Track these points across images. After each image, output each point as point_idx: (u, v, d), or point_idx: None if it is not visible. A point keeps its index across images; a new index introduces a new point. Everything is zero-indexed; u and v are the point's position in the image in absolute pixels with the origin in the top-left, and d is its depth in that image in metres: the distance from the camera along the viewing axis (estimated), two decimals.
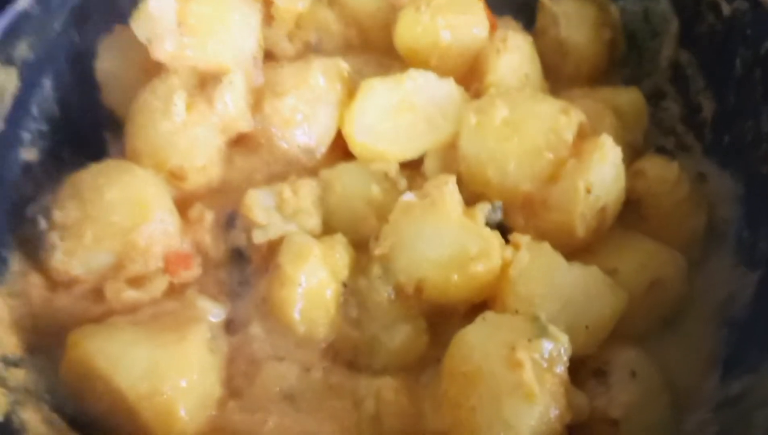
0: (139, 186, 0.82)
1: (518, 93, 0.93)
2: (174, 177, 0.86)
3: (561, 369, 0.70)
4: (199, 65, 0.88)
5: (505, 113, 0.89)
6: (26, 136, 0.90)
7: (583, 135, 0.92)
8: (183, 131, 0.85)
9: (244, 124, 0.89)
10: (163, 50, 0.86)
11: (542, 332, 0.71)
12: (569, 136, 0.88)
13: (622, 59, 1.12)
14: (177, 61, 0.87)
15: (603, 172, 0.86)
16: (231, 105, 0.87)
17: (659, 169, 0.94)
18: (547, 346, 0.70)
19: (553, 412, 0.68)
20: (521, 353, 0.69)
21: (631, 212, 0.95)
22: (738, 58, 0.99)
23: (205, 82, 0.88)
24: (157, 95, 0.86)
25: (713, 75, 1.04)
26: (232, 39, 0.88)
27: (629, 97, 1.03)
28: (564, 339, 0.71)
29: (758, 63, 0.96)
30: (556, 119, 0.89)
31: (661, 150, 1.01)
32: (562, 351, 0.70)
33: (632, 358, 0.80)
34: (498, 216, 0.89)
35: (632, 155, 1.00)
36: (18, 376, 0.74)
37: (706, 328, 0.93)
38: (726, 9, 0.99)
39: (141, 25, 0.88)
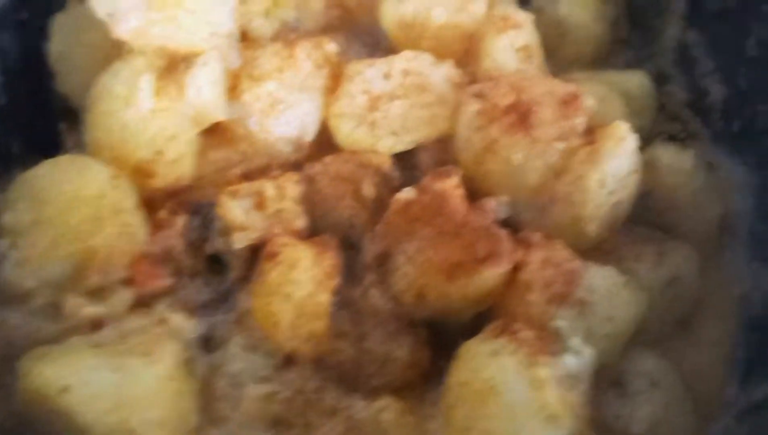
0: (99, 184, 0.72)
1: (522, 76, 0.85)
2: (140, 173, 0.76)
3: (585, 387, 0.64)
4: (168, 45, 0.77)
5: (509, 99, 0.81)
6: None
7: (592, 122, 0.85)
8: (150, 121, 0.75)
9: (220, 112, 0.79)
10: (126, 27, 0.75)
11: (563, 346, 0.64)
12: (581, 123, 0.80)
13: (626, 40, 1.05)
14: (142, 40, 0.76)
15: (618, 164, 0.79)
16: (205, 91, 0.76)
17: (673, 158, 0.88)
18: (570, 362, 0.63)
19: (575, 433, 0.62)
20: (543, 370, 0.62)
21: (641, 204, 0.89)
22: (752, 37, 0.93)
23: (175, 65, 0.77)
24: (119, 79, 0.75)
25: (723, 56, 0.97)
26: (205, 15, 0.77)
27: (637, 81, 0.96)
28: (588, 353, 0.65)
29: None
30: (567, 105, 0.81)
31: (672, 138, 0.94)
32: (587, 367, 0.64)
33: (652, 367, 0.75)
34: (504, 213, 0.81)
35: (641, 143, 0.94)
36: None
37: (723, 328, 0.87)
38: None
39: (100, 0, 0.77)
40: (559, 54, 1.02)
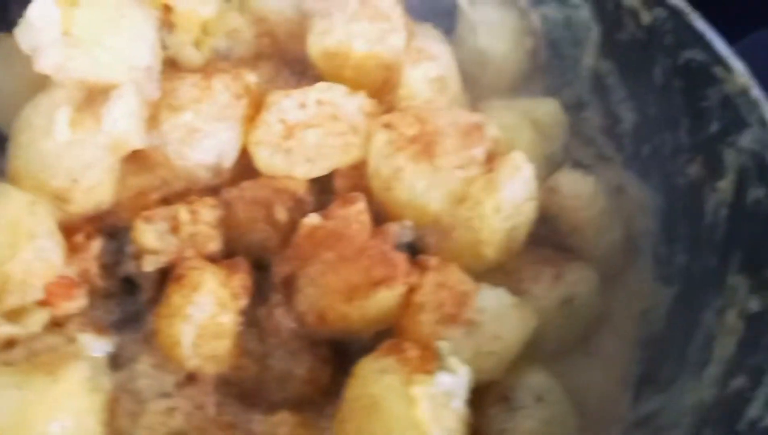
0: (15, 211, 0.76)
1: (430, 107, 0.90)
2: (58, 199, 0.80)
3: (458, 404, 0.68)
4: (87, 79, 0.81)
5: (415, 129, 0.86)
6: None
7: (495, 151, 0.89)
8: (67, 151, 0.79)
9: (137, 141, 0.83)
10: (46, 62, 0.79)
11: (441, 365, 0.69)
12: (481, 153, 0.85)
13: (544, 68, 1.10)
14: (62, 74, 0.80)
15: (513, 191, 0.83)
16: (121, 122, 0.80)
17: (574, 184, 0.92)
18: (444, 380, 0.67)
19: None
20: (416, 388, 0.66)
21: (546, 228, 0.94)
22: (657, 67, 0.97)
23: (94, 98, 0.81)
24: (39, 111, 0.80)
25: (634, 85, 1.02)
26: (122, 50, 0.82)
27: (548, 109, 1.01)
28: (463, 371, 0.69)
29: (677, 73, 0.95)
30: (469, 135, 0.86)
31: (578, 163, 0.99)
32: (461, 385, 0.68)
33: (538, 383, 0.78)
34: (407, 237, 0.86)
35: (550, 168, 0.98)
36: None
37: (621, 346, 0.92)
38: (645, 17, 0.98)
39: (24, 35, 0.81)
40: (479, 83, 1.07)
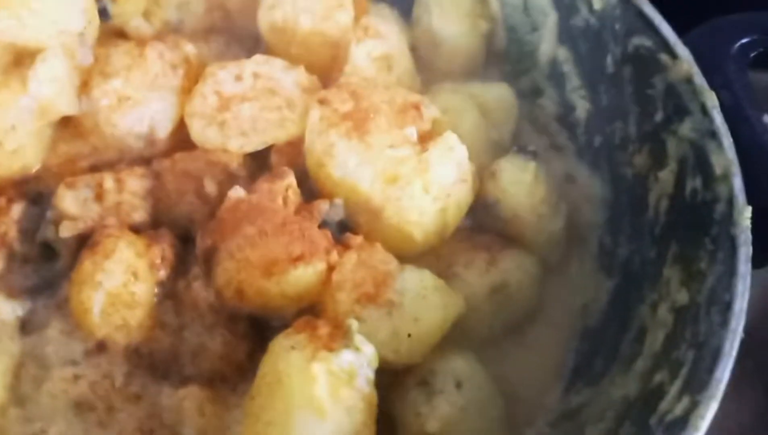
0: None
1: (367, 84, 0.87)
2: None
3: (362, 383, 0.66)
4: (14, 41, 0.80)
5: (348, 106, 0.84)
6: None
7: (436, 133, 0.87)
8: None
9: (66, 106, 0.82)
10: None
11: (347, 343, 0.67)
12: (413, 131, 0.83)
13: (502, 54, 1.08)
14: None
15: (444, 172, 0.81)
16: (47, 85, 0.79)
17: (515, 171, 0.89)
18: (346, 357, 0.65)
19: (348, 428, 0.64)
20: (316, 365, 0.64)
21: (487, 214, 0.91)
22: (609, 54, 0.95)
23: (21, 60, 0.80)
24: None
25: (587, 73, 1.00)
26: (51, 14, 0.81)
27: (497, 93, 0.99)
28: (368, 350, 0.67)
29: (627, 60, 0.92)
30: (404, 114, 0.84)
31: (522, 149, 0.97)
32: (365, 363, 0.66)
33: (459, 368, 0.76)
34: (338, 215, 0.84)
35: (497, 154, 0.96)
36: None
37: (557, 337, 0.89)
38: (597, 2, 0.95)
39: None
40: (433, 66, 1.05)
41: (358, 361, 0.65)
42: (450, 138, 0.82)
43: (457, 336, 0.80)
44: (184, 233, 0.84)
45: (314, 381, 0.64)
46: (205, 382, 0.74)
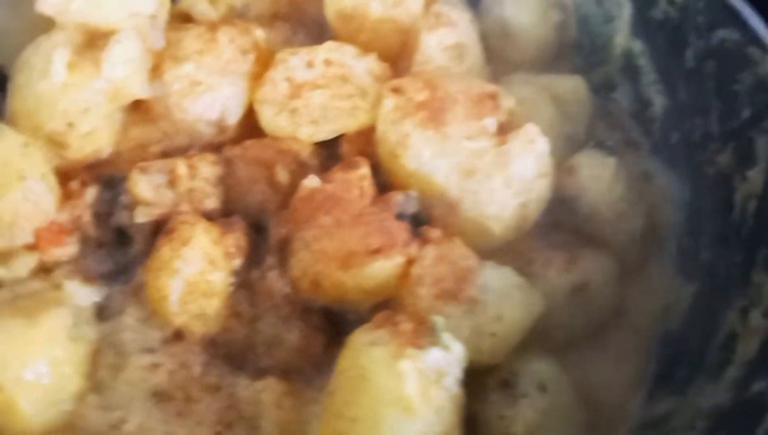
0: (7, 151, 0.74)
1: (442, 74, 0.85)
2: (54, 143, 0.77)
3: (451, 382, 0.63)
4: (88, 22, 0.79)
5: (424, 95, 0.81)
6: None
7: (512, 124, 0.84)
8: (63, 93, 0.76)
9: (138, 90, 0.80)
10: (47, 3, 0.77)
11: (434, 340, 0.64)
12: (492, 124, 0.80)
13: (574, 46, 1.04)
14: (64, 16, 0.78)
15: (525, 166, 0.78)
16: (120, 68, 0.78)
17: (594, 166, 0.86)
18: (435, 355, 0.62)
19: (437, 429, 0.61)
20: (405, 363, 0.62)
21: (564, 211, 0.88)
22: (689, 48, 0.91)
23: (95, 42, 0.78)
24: (38, 53, 0.77)
25: (665, 67, 0.96)
26: None
27: (571, 86, 0.95)
28: (457, 349, 0.64)
29: (710, 54, 0.88)
30: (481, 105, 0.81)
31: (600, 144, 0.93)
32: (454, 362, 0.63)
33: (543, 370, 0.73)
34: (413, 207, 0.81)
35: (572, 149, 0.92)
36: None
37: (637, 341, 0.86)
38: None
39: None
40: (504, 56, 1.02)
41: (447, 360, 0.63)
42: (531, 130, 0.79)
43: (536, 338, 0.77)
44: (255, 221, 0.82)
45: (403, 378, 0.61)
46: (280, 374, 0.72)
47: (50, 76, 0.75)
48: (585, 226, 0.87)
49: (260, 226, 0.82)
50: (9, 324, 0.66)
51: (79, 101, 0.77)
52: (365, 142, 0.87)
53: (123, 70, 0.78)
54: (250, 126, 0.88)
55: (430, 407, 0.62)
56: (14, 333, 0.66)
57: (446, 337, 0.64)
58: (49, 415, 0.67)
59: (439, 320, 0.66)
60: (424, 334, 0.65)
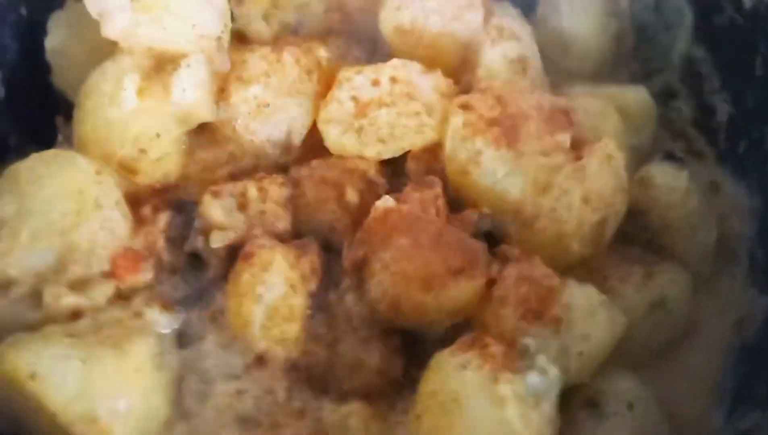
0: (82, 179, 0.73)
1: (511, 89, 0.83)
2: (125, 170, 0.77)
3: (548, 408, 0.62)
4: (155, 46, 0.78)
5: (495, 112, 0.80)
6: None
7: (582, 138, 0.83)
8: (134, 119, 0.76)
9: (206, 113, 0.80)
10: (114, 27, 0.76)
11: (529, 364, 0.63)
12: (566, 138, 0.79)
13: (631, 54, 1.03)
14: (130, 40, 0.77)
15: (603, 181, 0.77)
16: (189, 92, 0.77)
17: (668, 178, 0.85)
18: (534, 380, 0.61)
19: None
20: (504, 387, 0.61)
21: (635, 224, 0.87)
22: (758, 56, 0.89)
23: (162, 66, 0.78)
24: (106, 78, 0.77)
25: (730, 74, 0.95)
26: (191, 18, 0.78)
27: (636, 97, 0.93)
28: (553, 373, 0.63)
29: None
30: (553, 120, 0.80)
31: (669, 156, 0.92)
32: (552, 386, 0.62)
33: (629, 389, 0.72)
34: (486, 225, 0.80)
35: (638, 160, 0.91)
36: None
37: (713, 356, 0.84)
38: (748, 1, 0.90)
39: (92, 0, 0.79)
40: (561, 66, 1.00)
41: (544, 384, 0.62)
42: (608, 145, 0.78)
43: (616, 355, 0.76)
44: (325, 242, 0.81)
45: (504, 403, 0.60)
46: (363, 397, 0.71)
47: (121, 103, 0.75)
48: (656, 240, 0.86)
49: (330, 246, 0.82)
50: (99, 355, 0.66)
51: (150, 127, 0.77)
52: (431, 159, 0.86)
53: (193, 94, 0.78)
54: (312, 145, 0.88)
55: (532, 431, 0.61)
56: (105, 364, 0.66)
57: (542, 360, 0.63)
58: None
59: (531, 343, 0.65)
60: (516, 358, 0.64)
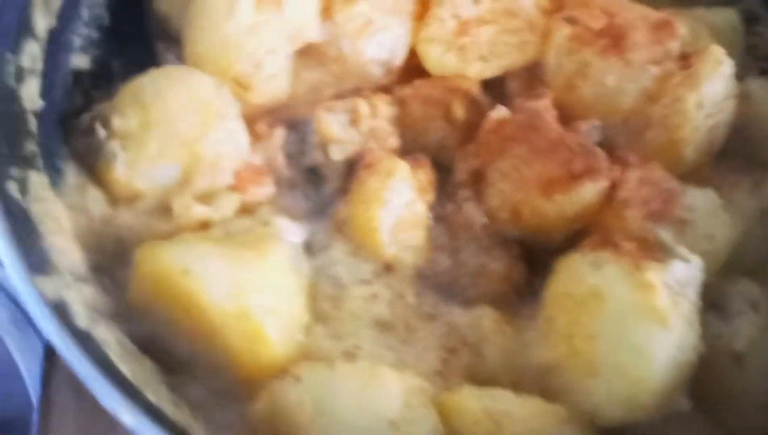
0: (204, 90, 0.73)
1: (613, 2, 0.83)
2: (239, 86, 0.77)
3: (694, 295, 0.63)
4: None
5: (602, 22, 0.80)
6: (77, 40, 0.81)
7: (685, 50, 0.83)
8: (249, 35, 0.75)
9: (313, 32, 0.79)
10: None
11: (670, 253, 0.63)
12: (675, 46, 0.79)
13: None
14: None
15: (715, 87, 0.77)
16: (301, 9, 0.77)
17: (766, 92, 0.85)
18: (679, 268, 0.62)
19: (689, 341, 0.61)
20: (651, 274, 0.61)
21: (735, 138, 0.87)
22: None
23: None
24: None
25: None
26: None
27: (726, 18, 0.93)
28: (696, 261, 0.63)
29: None
30: (661, 30, 0.80)
31: (763, 72, 0.92)
32: (695, 275, 0.63)
33: (751, 290, 0.72)
34: (595, 136, 0.80)
35: None
36: (87, 293, 0.66)
37: None
38: None
39: None
40: None
41: (689, 271, 0.62)
42: (717, 51, 0.78)
43: (731, 262, 0.77)
44: (434, 158, 0.82)
45: (652, 290, 0.61)
46: (489, 303, 0.72)
47: (237, 17, 0.74)
48: (757, 153, 0.86)
49: (439, 163, 0.82)
50: (240, 255, 0.66)
51: (265, 41, 0.76)
52: (530, 77, 0.86)
53: (303, 11, 0.77)
54: (410, 66, 0.88)
55: (682, 319, 0.61)
56: (250, 264, 0.66)
57: (682, 250, 0.63)
58: (290, 345, 0.66)
59: (666, 235, 0.65)
60: (655, 249, 0.64)
